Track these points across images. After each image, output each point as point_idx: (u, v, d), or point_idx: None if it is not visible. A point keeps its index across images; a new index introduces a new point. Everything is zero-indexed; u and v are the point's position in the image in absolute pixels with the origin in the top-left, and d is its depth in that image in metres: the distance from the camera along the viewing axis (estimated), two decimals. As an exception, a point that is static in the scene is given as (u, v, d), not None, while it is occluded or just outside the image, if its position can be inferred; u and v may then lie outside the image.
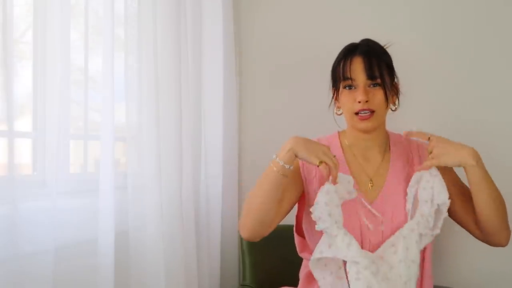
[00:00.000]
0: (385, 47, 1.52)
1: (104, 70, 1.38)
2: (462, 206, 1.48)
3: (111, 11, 1.38)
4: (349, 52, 1.47)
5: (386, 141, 1.56)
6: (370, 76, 1.42)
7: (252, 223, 1.36)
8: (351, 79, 1.44)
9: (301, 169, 1.53)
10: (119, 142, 1.56)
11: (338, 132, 1.60)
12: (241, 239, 1.89)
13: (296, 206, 1.55)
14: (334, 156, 1.33)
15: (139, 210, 1.48)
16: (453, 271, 1.90)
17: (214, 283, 1.90)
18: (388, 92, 1.44)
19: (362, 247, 1.42)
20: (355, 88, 1.44)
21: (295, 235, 1.59)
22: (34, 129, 1.35)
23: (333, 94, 1.54)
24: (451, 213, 1.51)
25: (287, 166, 1.33)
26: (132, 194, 1.48)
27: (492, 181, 1.37)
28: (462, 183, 1.51)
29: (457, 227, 1.94)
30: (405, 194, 1.46)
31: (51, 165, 1.30)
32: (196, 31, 1.83)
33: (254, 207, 1.36)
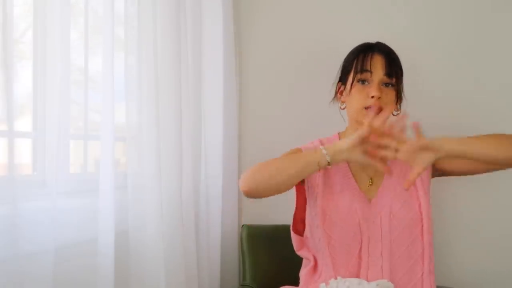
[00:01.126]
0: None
1: (104, 70, 1.38)
2: (458, 163, 1.48)
3: (111, 11, 1.38)
4: (367, 49, 1.50)
5: None
6: (389, 73, 1.45)
7: (261, 182, 1.36)
8: (370, 72, 1.45)
9: None
10: (119, 142, 1.56)
11: (338, 133, 1.61)
12: (241, 239, 1.90)
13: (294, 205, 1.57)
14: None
15: (139, 210, 1.48)
16: (454, 271, 1.90)
17: (214, 283, 1.90)
18: (399, 94, 1.48)
19: (361, 246, 1.43)
20: (368, 83, 1.46)
21: (292, 233, 1.59)
22: (34, 129, 1.35)
23: (338, 88, 1.55)
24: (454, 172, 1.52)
25: (329, 166, 1.34)
26: (132, 194, 1.48)
27: (473, 143, 1.31)
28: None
29: (458, 227, 1.94)
30: (403, 192, 1.47)
31: (51, 165, 1.29)
32: (196, 31, 1.83)
33: (273, 173, 1.35)
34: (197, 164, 1.84)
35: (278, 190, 1.37)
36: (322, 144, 1.58)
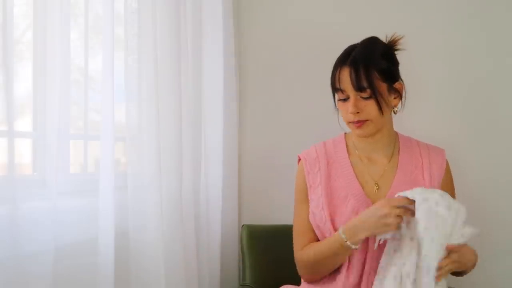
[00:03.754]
0: (394, 40, 1.48)
1: (104, 70, 1.38)
2: None
3: (111, 10, 1.38)
4: (341, 60, 1.45)
5: (394, 144, 1.55)
6: (358, 87, 1.40)
7: (319, 274, 1.50)
8: (341, 90, 1.43)
9: (306, 177, 1.54)
10: (119, 142, 1.56)
11: (345, 134, 1.60)
12: (241, 239, 1.89)
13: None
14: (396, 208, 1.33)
15: (139, 210, 1.48)
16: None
17: (214, 283, 1.90)
18: (382, 101, 1.41)
19: (367, 252, 1.43)
20: (348, 98, 1.44)
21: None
22: (34, 129, 1.35)
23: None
24: None
25: (354, 247, 1.38)
26: (132, 194, 1.48)
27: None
28: None
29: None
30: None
31: (51, 165, 1.29)
32: (196, 31, 1.83)
33: (322, 271, 1.48)
34: (197, 164, 1.84)
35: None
36: (325, 146, 1.57)
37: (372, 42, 1.47)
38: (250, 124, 2.16)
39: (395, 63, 1.49)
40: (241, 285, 1.82)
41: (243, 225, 1.92)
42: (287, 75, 2.11)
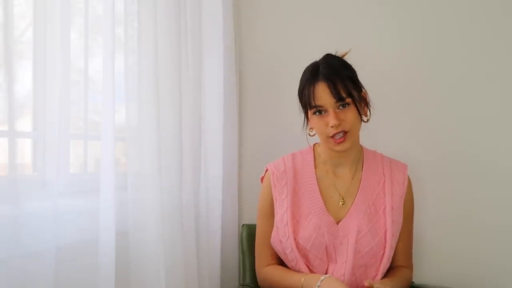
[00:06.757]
0: (342, 55, 1.50)
1: (104, 70, 1.38)
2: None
3: (111, 10, 1.38)
4: (311, 78, 1.45)
5: (359, 158, 1.56)
6: (339, 98, 1.40)
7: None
8: (318, 106, 1.43)
9: (272, 190, 1.54)
10: (119, 142, 1.56)
11: (314, 146, 1.60)
12: (241, 239, 1.89)
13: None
14: None
15: (140, 210, 1.48)
16: (453, 271, 1.90)
17: (214, 283, 1.90)
18: (360, 108, 1.44)
19: (328, 267, 1.45)
20: (325, 112, 1.43)
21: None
22: (34, 129, 1.35)
23: (305, 115, 1.53)
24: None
25: None
26: (132, 194, 1.48)
27: None
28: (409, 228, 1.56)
29: (456, 228, 1.94)
30: (371, 215, 1.47)
31: (51, 165, 1.30)
32: (196, 31, 1.83)
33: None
34: (197, 164, 1.84)
35: None
36: (293, 159, 1.58)
37: (332, 57, 1.50)
38: (250, 124, 2.16)
39: (354, 71, 1.50)
40: (241, 285, 1.82)
41: (243, 225, 1.92)
42: (287, 75, 2.11)
